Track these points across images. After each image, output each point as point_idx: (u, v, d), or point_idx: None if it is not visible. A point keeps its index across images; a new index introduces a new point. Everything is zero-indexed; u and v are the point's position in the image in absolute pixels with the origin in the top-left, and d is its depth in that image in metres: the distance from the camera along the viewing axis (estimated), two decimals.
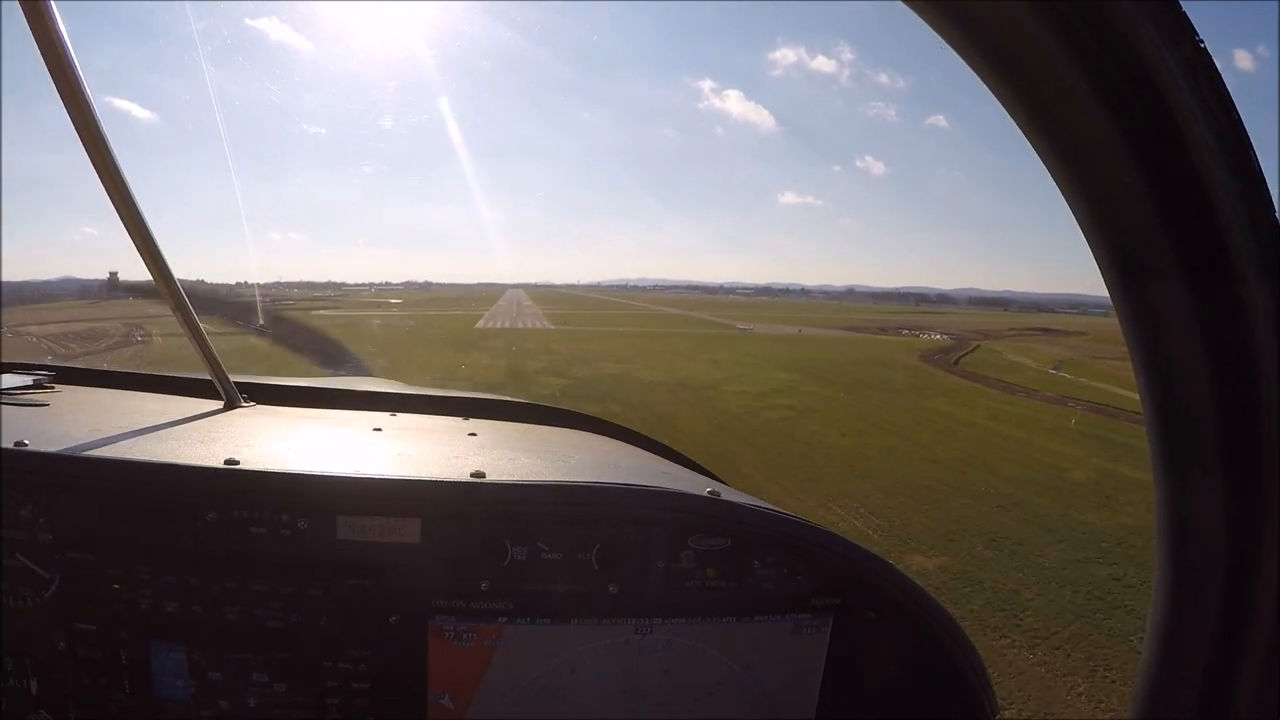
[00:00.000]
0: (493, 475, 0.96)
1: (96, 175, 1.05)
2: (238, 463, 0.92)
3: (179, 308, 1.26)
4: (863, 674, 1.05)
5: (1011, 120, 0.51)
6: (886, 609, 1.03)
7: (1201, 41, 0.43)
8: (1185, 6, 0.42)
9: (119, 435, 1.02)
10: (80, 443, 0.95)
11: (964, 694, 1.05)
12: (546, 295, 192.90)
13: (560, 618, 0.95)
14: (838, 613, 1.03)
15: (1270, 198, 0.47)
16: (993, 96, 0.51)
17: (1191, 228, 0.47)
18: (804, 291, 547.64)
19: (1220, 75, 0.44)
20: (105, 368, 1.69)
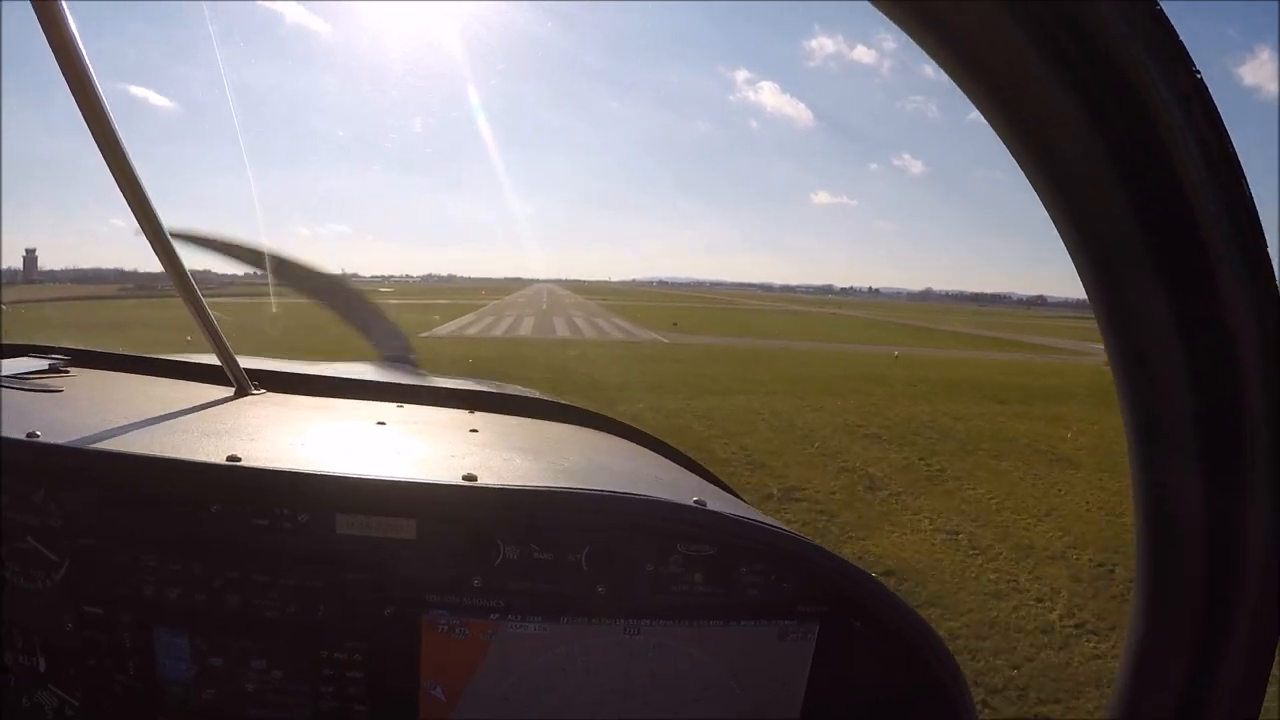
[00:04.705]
0: (485, 478, 1.00)
1: (105, 163, 1.10)
2: (240, 459, 0.97)
3: (186, 292, 1.31)
4: (847, 682, 1.06)
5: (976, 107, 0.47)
6: (871, 620, 1.05)
7: (1157, 3, 0.41)
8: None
9: (129, 425, 1.09)
10: (90, 434, 1.02)
11: (945, 707, 1.07)
12: (591, 288, 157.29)
13: (550, 616, 0.98)
14: (824, 620, 1.04)
15: (1247, 187, 0.44)
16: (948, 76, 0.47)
17: (1166, 214, 0.45)
18: (874, 292, 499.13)
19: (1193, 59, 0.42)
20: (120, 350, 1.75)
